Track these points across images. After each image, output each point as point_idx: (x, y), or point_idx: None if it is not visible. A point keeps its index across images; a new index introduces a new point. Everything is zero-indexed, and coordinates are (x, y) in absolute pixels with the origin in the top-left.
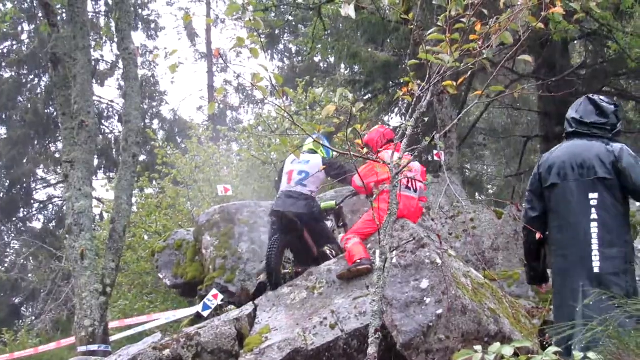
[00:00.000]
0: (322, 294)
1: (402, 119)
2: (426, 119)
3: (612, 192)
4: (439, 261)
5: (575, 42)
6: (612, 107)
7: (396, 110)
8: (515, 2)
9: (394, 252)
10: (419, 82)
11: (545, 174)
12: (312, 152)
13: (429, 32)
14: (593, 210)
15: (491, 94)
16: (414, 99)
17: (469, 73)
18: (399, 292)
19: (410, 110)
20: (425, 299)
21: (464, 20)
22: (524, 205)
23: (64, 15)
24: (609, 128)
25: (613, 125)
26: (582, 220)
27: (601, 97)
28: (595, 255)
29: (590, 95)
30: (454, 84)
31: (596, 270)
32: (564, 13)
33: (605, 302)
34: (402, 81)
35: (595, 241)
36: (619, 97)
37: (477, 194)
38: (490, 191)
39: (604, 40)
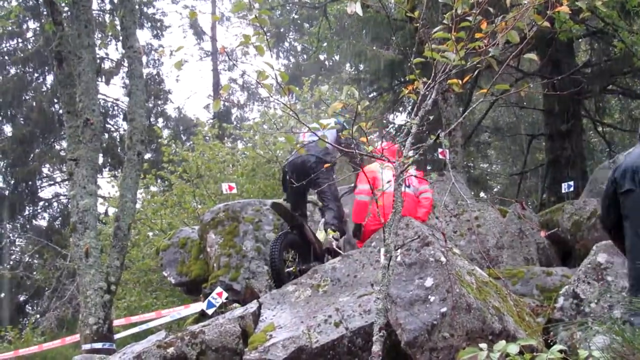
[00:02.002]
0: (326, 292)
1: (407, 117)
2: (431, 117)
3: None
4: (443, 259)
5: (581, 40)
6: None
7: (401, 108)
8: (521, 1)
9: (399, 250)
10: (424, 80)
11: (620, 180)
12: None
13: (435, 30)
14: None
15: (496, 93)
16: (419, 97)
17: (476, 72)
18: (403, 290)
19: (415, 109)
20: (429, 297)
21: (469, 18)
22: (602, 211)
23: (69, 13)
24: None
25: None
26: None
27: None
28: None
29: None
30: (460, 82)
31: None
32: (570, 12)
33: None
34: (407, 79)
35: None
36: (624, 96)
37: (481, 192)
38: (495, 189)
39: (610, 38)
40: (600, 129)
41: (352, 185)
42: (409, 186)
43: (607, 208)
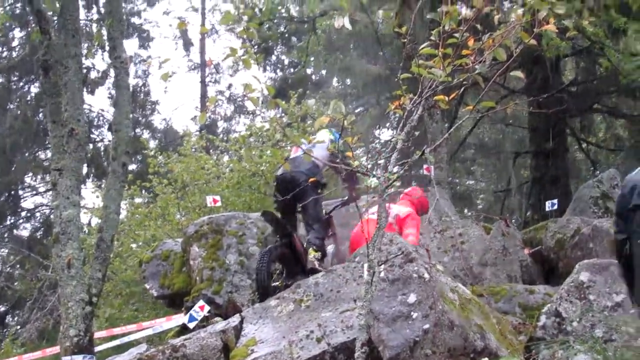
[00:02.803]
0: (309, 307)
1: (393, 133)
2: (417, 133)
3: None
4: (426, 276)
5: (567, 59)
6: None
7: (387, 123)
8: (508, 19)
9: (382, 266)
10: (410, 95)
11: (629, 196)
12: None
13: (422, 46)
14: None
15: (482, 110)
16: (405, 113)
17: (462, 89)
18: (386, 306)
19: (401, 124)
20: (412, 313)
21: (457, 35)
22: (614, 227)
23: (56, 22)
24: None
25: None
26: None
27: None
28: None
29: None
30: (446, 98)
31: None
32: (557, 30)
33: None
34: (394, 95)
35: None
36: (609, 115)
37: (466, 209)
38: (480, 206)
39: (595, 57)
40: (585, 147)
41: (343, 199)
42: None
43: (618, 224)
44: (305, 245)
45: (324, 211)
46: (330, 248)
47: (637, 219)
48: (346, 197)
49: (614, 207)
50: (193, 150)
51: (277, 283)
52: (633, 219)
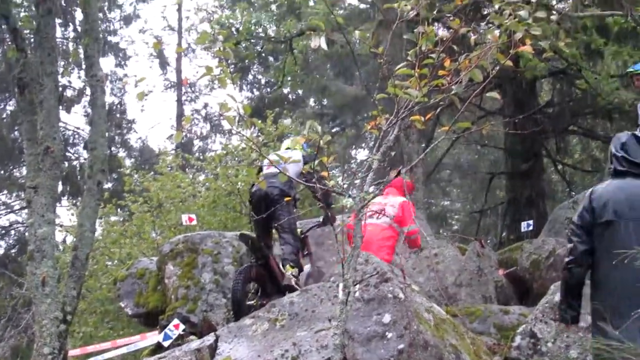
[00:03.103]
0: (284, 326)
1: (369, 153)
2: (393, 153)
3: None
4: (401, 296)
5: (543, 80)
6: None
7: (363, 144)
8: (485, 40)
9: (357, 286)
10: (387, 116)
11: (600, 210)
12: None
13: (399, 66)
14: None
15: (458, 130)
16: (381, 133)
17: (439, 109)
18: (361, 326)
19: (377, 144)
20: (387, 333)
21: (433, 55)
22: (571, 239)
23: (33, 40)
24: None
25: None
26: (637, 260)
27: None
28: None
29: (637, 133)
30: (422, 118)
31: None
32: (533, 52)
33: None
34: (370, 115)
35: None
36: (585, 136)
37: (441, 229)
38: (455, 227)
39: (572, 79)
40: (561, 168)
41: (319, 219)
42: (378, 218)
43: (581, 236)
44: (281, 262)
45: (299, 230)
46: (305, 268)
47: (607, 234)
48: (322, 218)
49: (577, 218)
50: (169, 168)
51: (253, 302)
52: (602, 234)
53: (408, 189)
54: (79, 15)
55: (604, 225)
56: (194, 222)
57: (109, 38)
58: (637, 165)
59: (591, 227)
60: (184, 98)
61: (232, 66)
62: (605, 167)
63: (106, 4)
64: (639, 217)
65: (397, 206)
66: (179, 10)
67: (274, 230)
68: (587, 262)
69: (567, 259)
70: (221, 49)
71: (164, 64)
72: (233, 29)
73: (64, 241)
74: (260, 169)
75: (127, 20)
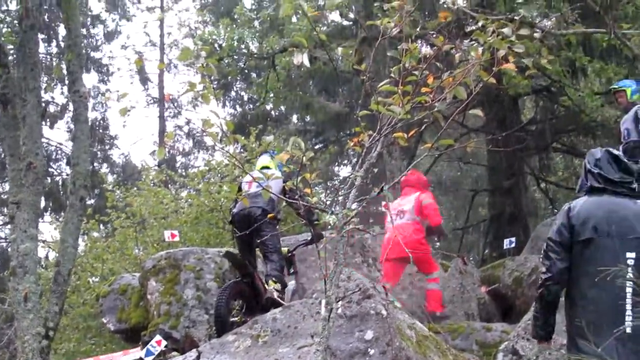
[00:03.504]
0: (266, 343)
1: (351, 170)
2: (375, 170)
3: None
4: (384, 312)
5: (526, 97)
6: (636, 165)
7: (346, 160)
8: (468, 57)
9: (340, 302)
10: (369, 132)
11: (579, 227)
12: (268, 169)
13: (382, 83)
14: (629, 269)
15: (441, 147)
16: (364, 150)
17: (422, 126)
18: (343, 343)
19: (360, 161)
20: (369, 350)
21: (416, 72)
22: (549, 255)
23: (15, 55)
24: (634, 187)
25: (636, 183)
26: (618, 278)
27: (620, 153)
28: (628, 315)
29: (611, 150)
30: (405, 135)
31: (628, 330)
32: (516, 69)
33: None
34: (353, 132)
35: (629, 300)
36: (568, 154)
37: None
38: (437, 244)
39: (555, 97)
40: (543, 186)
41: (306, 238)
42: (401, 217)
43: (559, 253)
44: (264, 279)
45: (286, 249)
46: (291, 285)
47: (587, 251)
48: (310, 237)
49: (555, 235)
50: (152, 184)
51: (236, 319)
52: (582, 251)
53: (424, 183)
54: (62, 30)
55: (584, 242)
56: (177, 239)
57: (92, 54)
58: (613, 182)
59: (570, 245)
60: (166, 114)
61: (215, 82)
62: (578, 184)
63: (89, 19)
64: (619, 234)
65: (413, 201)
66: (161, 26)
67: (257, 248)
68: (565, 279)
69: (544, 276)
70: (204, 65)
71: (145, 80)
72: (216, 45)
73: (47, 257)
74: (240, 188)
75: (109, 36)
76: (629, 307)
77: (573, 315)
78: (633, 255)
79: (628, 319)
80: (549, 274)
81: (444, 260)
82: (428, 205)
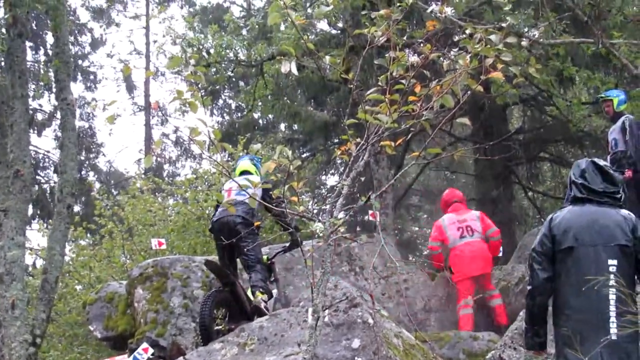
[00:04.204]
0: (253, 351)
1: (339, 178)
2: (362, 179)
3: (629, 260)
4: (370, 321)
5: (514, 107)
6: (619, 174)
7: (334, 169)
8: (456, 65)
9: (327, 311)
10: (357, 141)
11: (560, 237)
12: (248, 173)
13: (369, 92)
14: (612, 276)
15: (428, 156)
16: (351, 159)
17: (409, 135)
18: (330, 351)
19: (347, 170)
20: (356, 358)
21: (403, 81)
22: (532, 266)
23: (3, 63)
24: (619, 197)
25: (621, 193)
26: (601, 286)
27: (605, 163)
28: (613, 322)
29: (596, 161)
30: (392, 144)
31: (614, 337)
32: (503, 78)
33: None
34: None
35: (613, 308)
36: (556, 163)
37: (410, 255)
38: (425, 252)
39: (542, 106)
40: (531, 195)
41: (286, 244)
42: (472, 234)
43: (541, 263)
44: (250, 289)
45: (266, 257)
46: (273, 293)
47: (569, 260)
48: (288, 243)
49: (537, 245)
50: (142, 191)
51: (221, 327)
52: (564, 260)
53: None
54: (50, 38)
55: (565, 251)
56: (164, 247)
57: (79, 62)
58: (596, 192)
59: (552, 254)
60: (152, 122)
61: (203, 90)
62: (566, 194)
63: (76, 28)
64: (600, 243)
65: (478, 219)
66: (147, 34)
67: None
68: (549, 289)
69: (529, 287)
70: (193, 73)
71: (131, 88)
72: (204, 52)
73: (34, 265)
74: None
75: (95, 45)
76: (612, 314)
77: (559, 324)
78: (615, 262)
79: (612, 325)
80: (533, 285)
81: (430, 268)
82: (495, 233)
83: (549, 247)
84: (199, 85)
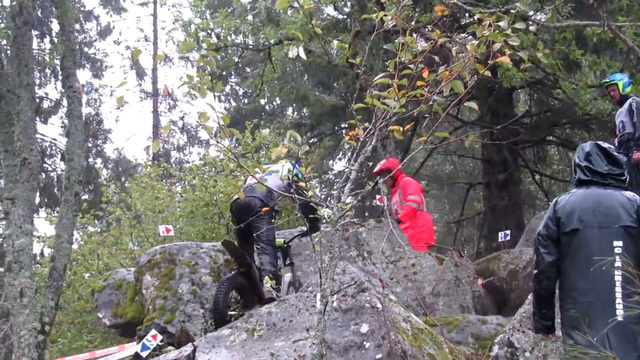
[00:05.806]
0: (261, 337)
1: (346, 163)
2: (370, 164)
3: (634, 241)
4: (379, 306)
5: (520, 91)
6: (623, 156)
7: (341, 154)
8: (464, 50)
9: (335, 296)
10: (364, 126)
11: (565, 219)
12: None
13: (377, 77)
14: (617, 258)
15: (435, 141)
16: (359, 144)
17: (416, 119)
18: (338, 336)
19: (354, 155)
20: (365, 343)
21: (411, 66)
22: (538, 250)
23: (9, 51)
24: (623, 179)
25: (625, 174)
26: (607, 267)
27: (609, 146)
28: (619, 303)
29: (600, 143)
30: (400, 129)
31: (620, 318)
32: (511, 62)
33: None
34: (348, 125)
35: (618, 289)
36: (563, 147)
37: None
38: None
39: (549, 89)
40: (538, 178)
41: (302, 229)
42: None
43: (547, 246)
44: (261, 273)
45: (282, 240)
46: (287, 277)
47: (574, 243)
48: (305, 228)
49: (542, 229)
50: (151, 177)
51: (234, 312)
52: (569, 242)
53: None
54: (55, 26)
55: (570, 234)
56: (171, 233)
57: (85, 49)
58: (601, 175)
59: (557, 237)
60: (160, 108)
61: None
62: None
63: (81, 15)
64: (605, 224)
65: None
66: (154, 21)
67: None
68: (555, 272)
69: (535, 271)
70: (203, 57)
71: (141, 74)
72: (213, 35)
73: (42, 253)
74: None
75: (103, 33)
76: (619, 295)
77: (566, 307)
78: (620, 243)
79: (619, 307)
80: (539, 269)
81: (438, 253)
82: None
83: (554, 230)
84: (208, 70)
